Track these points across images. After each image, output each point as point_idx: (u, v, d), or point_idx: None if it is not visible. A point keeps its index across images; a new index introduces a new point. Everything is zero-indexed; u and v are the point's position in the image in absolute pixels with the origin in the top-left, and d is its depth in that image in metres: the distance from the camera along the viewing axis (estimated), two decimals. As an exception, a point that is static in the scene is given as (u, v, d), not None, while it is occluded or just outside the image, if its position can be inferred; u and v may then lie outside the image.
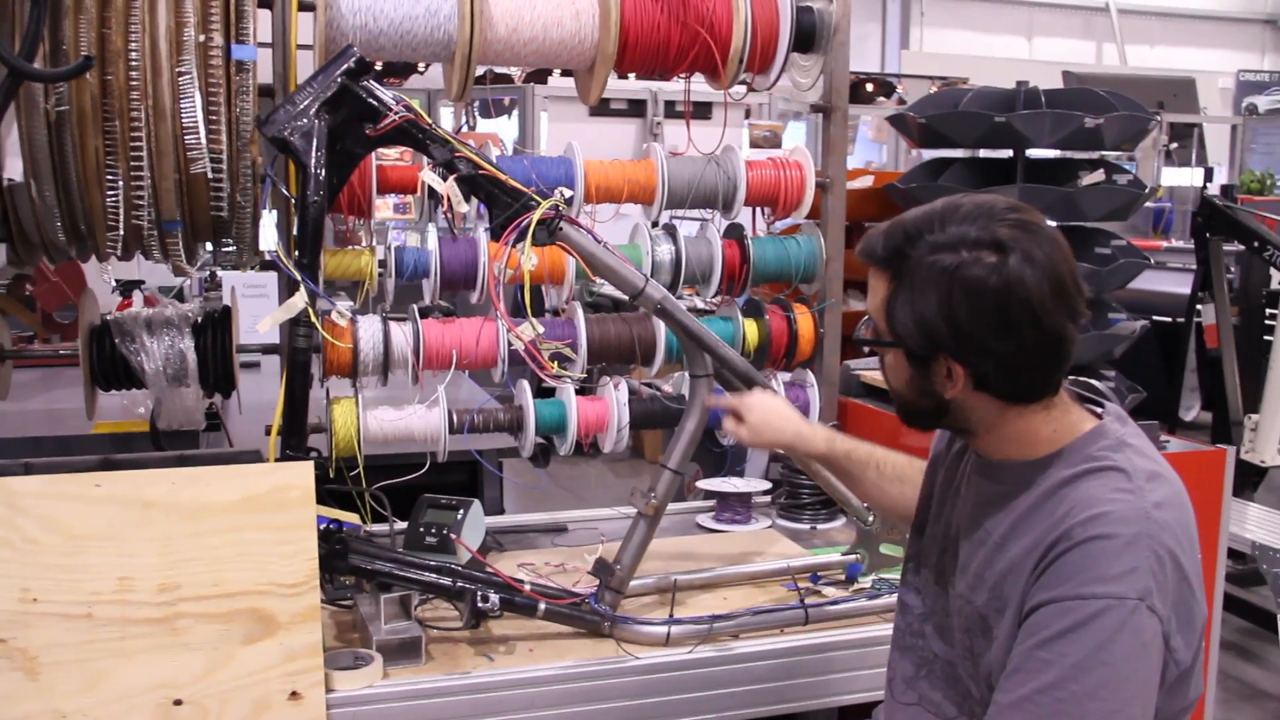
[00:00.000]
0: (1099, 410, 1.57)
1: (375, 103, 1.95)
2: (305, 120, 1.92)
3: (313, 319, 1.96)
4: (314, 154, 1.92)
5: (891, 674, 1.74)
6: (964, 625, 1.56)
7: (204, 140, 2.16)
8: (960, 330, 1.45)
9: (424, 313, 2.55)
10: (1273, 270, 4.87)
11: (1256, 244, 4.51)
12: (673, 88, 3.51)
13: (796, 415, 2.06)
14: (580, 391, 2.68)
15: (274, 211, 2.08)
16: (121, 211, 2.17)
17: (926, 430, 1.68)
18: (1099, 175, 3.89)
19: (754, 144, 7.78)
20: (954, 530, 1.64)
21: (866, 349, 1.66)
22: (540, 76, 8.03)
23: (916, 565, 1.73)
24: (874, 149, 10.22)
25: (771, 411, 2.05)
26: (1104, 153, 4.05)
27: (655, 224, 2.75)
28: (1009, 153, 3.87)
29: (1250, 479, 4.68)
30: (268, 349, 2.60)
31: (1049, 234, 1.45)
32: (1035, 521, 1.47)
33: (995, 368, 1.47)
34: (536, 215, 1.93)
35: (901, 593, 1.76)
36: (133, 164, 2.15)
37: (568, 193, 2.03)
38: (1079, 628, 1.37)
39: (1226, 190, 5.00)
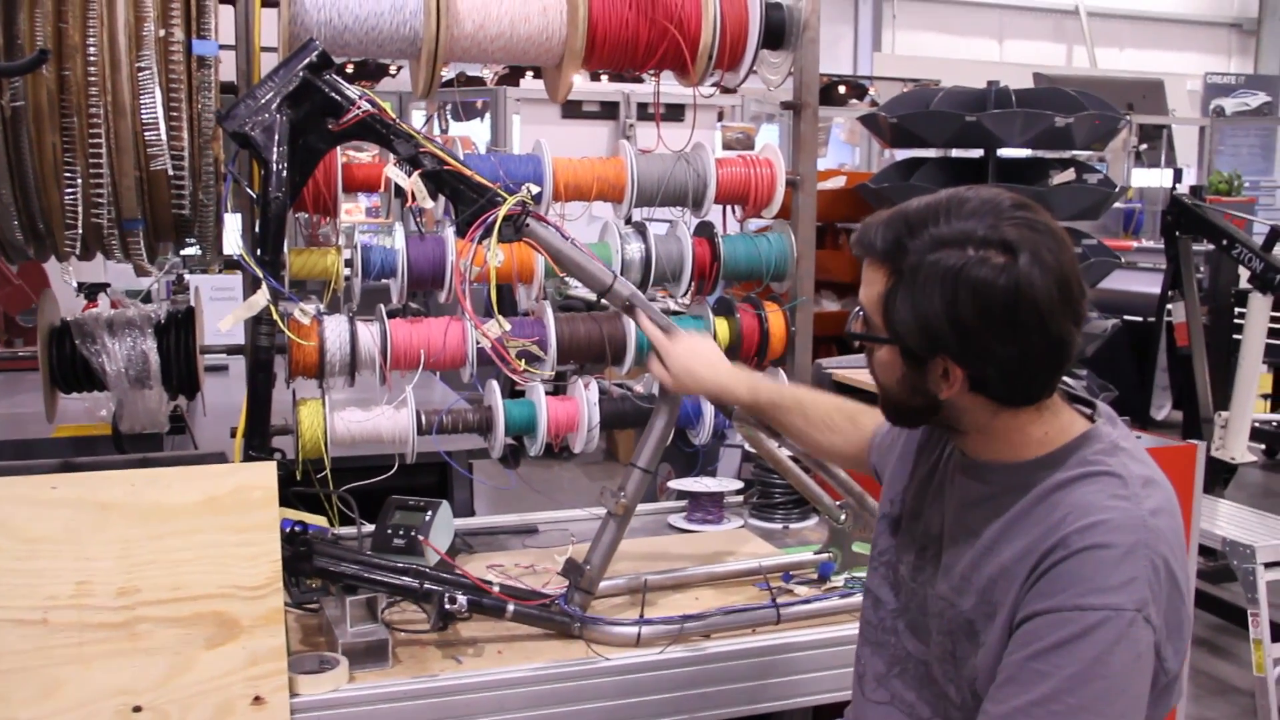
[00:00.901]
0: (1089, 412, 1.54)
1: (338, 97, 1.93)
2: (266, 115, 1.90)
3: (275, 317, 1.93)
4: (275, 149, 1.89)
5: (861, 670, 1.70)
6: (945, 628, 1.52)
7: (164, 137, 2.12)
8: (964, 332, 1.39)
9: (394, 314, 2.52)
10: (1241, 269, 4.90)
11: (1225, 242, 4.54)
12: (645, 90, 3.50)
13: (722, 362, 1.99)
14: (552, 392, 2.66)
15: (238, 214, 2.06)
16: (80, 210, 2.13)
17: (912, 427, 1.65)
18: (1070, 174, 3.91)
19: (727, 146, 7.78)
20: (936, 529, 1.60)
21: (856, 343, 1.60)
22: (512, 79, 8.01)
23: (891, 560, 1.68)
24: (846, 151, 10.24)
25: (695, 358, 1.98)
26: (1075, 152, 4.07)
27: (628, 220, 2.73)
28: (980, 152, 3.89)
29: (1221, 476, 4.71)
30: (233, 350, 2.55)
31: (1056, 233, 1.41)
32: (1027, 527, 1.44)
33: (996, 371, 1.42)
34: (502, 211, 1.91)
35: (872, 585, 1.70)
36: (91, 161, 2.11)
37: (535, 189, 2.01)
38: (1076, 640, 1.34)
39: (1195, 190, 5.03)
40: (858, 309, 1.54)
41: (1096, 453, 1.46)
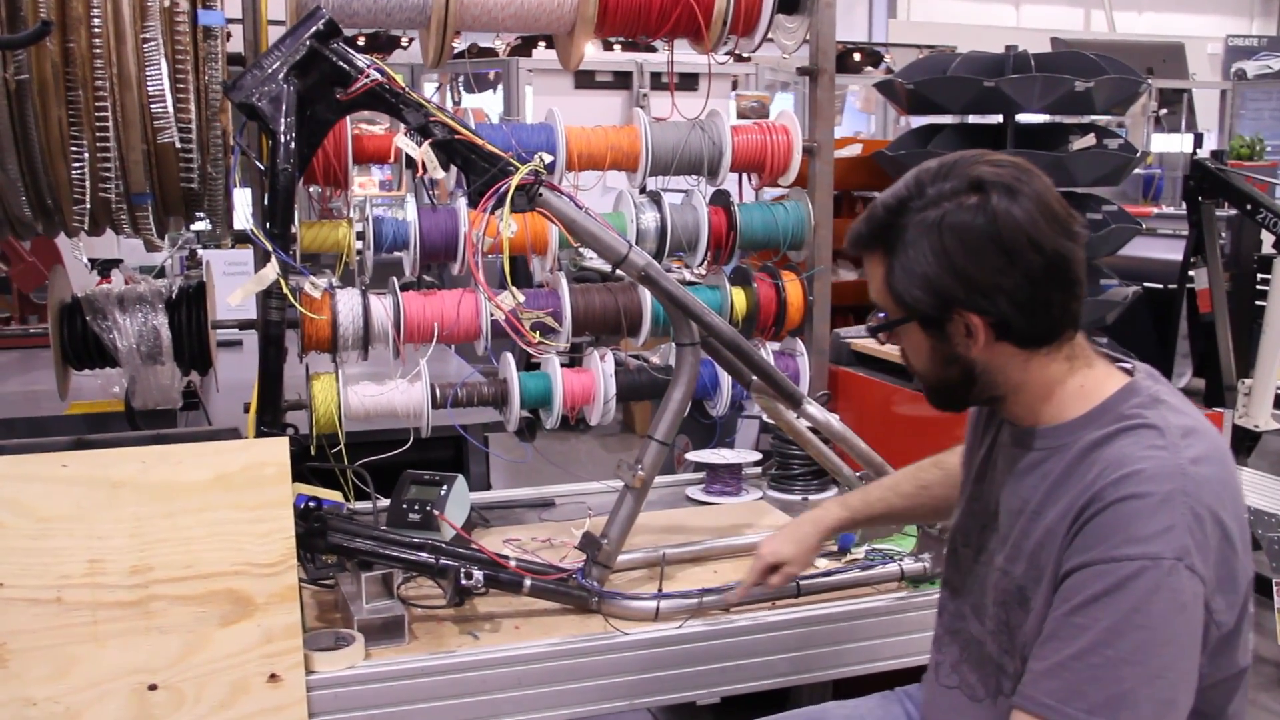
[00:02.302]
0: (1129, 367, 1.52)
1: (346, 66, 1.89)
2: (274, 85, 1.86)
3: (285, 291, 1.90)
4: (283, 120, 1.86)
5: (939, 659, 1.69)
6: (1000, 599, 1.52)
7: (171, 109, 2.09)
8: (963, 276, 1.41)
9: (407, 287, 2.49)
10: (1265, 234, 4.82)
11: (1249, 207, 4.46)
12: (659, 59, 3.46)
13: (805, 519, 1.99)
14: (568, 365, 2.63)
15: (248, 189, 2.02)
16: (88, 184, 2.11)
17: (959, 410, 1.63)
18: (1089, 140, 3.84)
19: (741, 114, 7.70)
20: (992, 505, 1.60)
21: (883, 340, 1.62)
22: (525, 50, 7.94)
23: (956, 547, 1.69)
24: (862, 119, 10.14)
25: (791, 539, 1.97)
26: (1094, 118, 4.00)
27: (643, 189, 2.69)
28: (999, 118, 3.82)
29: (1244, 444, 4.65)
30: (245, 324, 2.53)
31: (1021, 164, 1.43)
32: (1068, 486, 1.43)
33: (1010, 306, 1.42)
34: (515, 180, 1.87)
35: (947, 574, 1.72)
36: (98, 135, 2.08)
37: (548, 158, 1.97)
38: (1113, 591, 1.32)
39: (1217, 155, 4.95)
40: (873, 310, 1.55)
41: (1134, 406, 1.44)
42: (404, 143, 1.93)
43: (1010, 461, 1.56)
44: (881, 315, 1.53)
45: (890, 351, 2.85)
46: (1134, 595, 1.31)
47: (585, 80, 7.52)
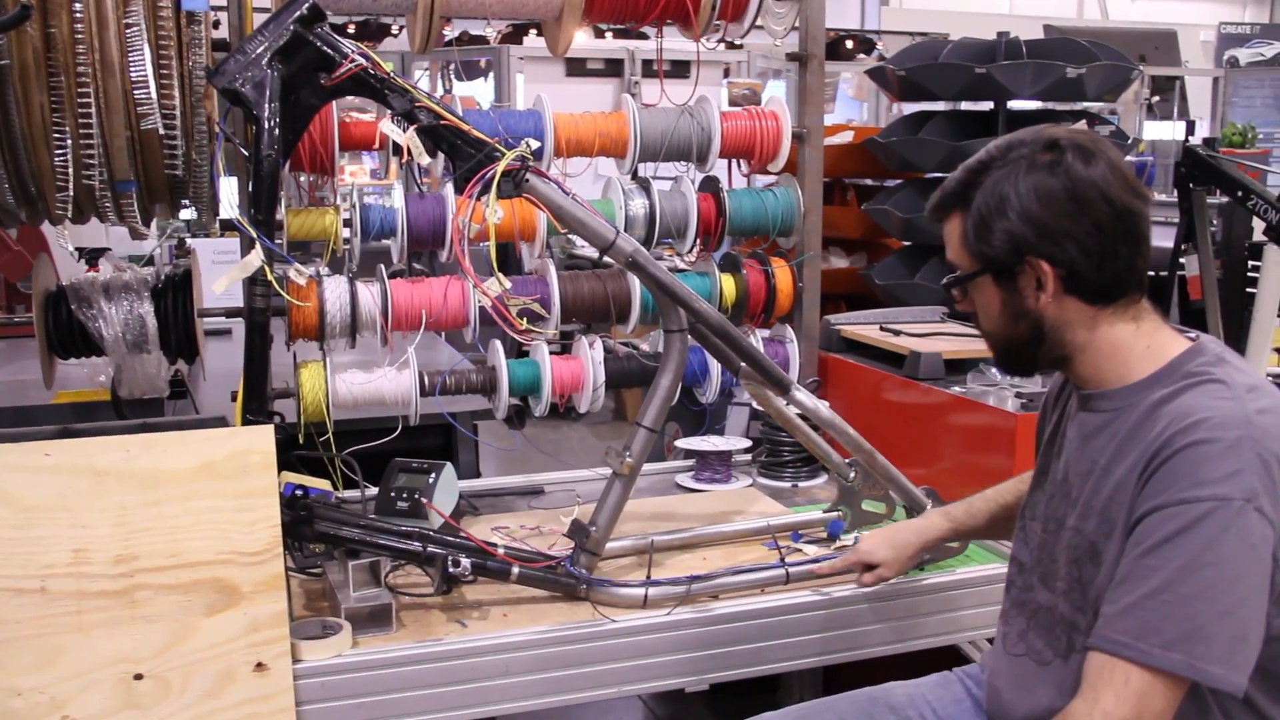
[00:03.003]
0: (1193, 335, 1.57)
1: (330, 50, 1.88)
2: (257, 70, 1.85)
3: (269, 278, 1.89)
4: (267, 105, 1.84)
5: (1006, 630, 1.74)
6: (1072, 557, 1.56)
7: (155, 95, 2.07)
8: (1036, 221, 1.49)
9: (396, 275, 2.48)
10: (1256, 221, 4.81)
11: (1240, 193, 4.45)
12: (650, 47, 3.44)
13: (909, 526, 2.09)
14: (558, 352, 2.62)
15: (233, 178, 2.01)
16: (71, 171, 2.08)
17: (1028, 373, 1.69)
18: (1081, 126, 3.83)
19: (733, 102, 7.68)
20: (1061, 473, 1.64)
21: (957, 302, 1.66)
22: (515, 37, 7.92)
23: (1025, 521, 1.74)
24: (855, 107, 10.11)
25: (891, 541, 2.06)
26: (1086, 104, 3.99)
27: (634, 174, 2.67)
28: (990, 105, 3.81)
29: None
30: (232, 312, 2.51)
31: (1097, 135, 1.54)
32: (1137, 440, 1.48)
33: (1079, 253, 1.49)
34: (501, 166, 1.86)
35: (1015, 550, 1.76)
36: (81, 121, 2.06)
37: (534, 143, 1.95)
38: (1184, 531, 1.37)
39: (1210, 142, 4.94)
40: (947, 276, 1.61)
41: (1201, 364, 1.50)
42: (389, 128, 1.91)
43: (1080, 428, 1.61)
44: (955, 275, 1.60)
45: (881, 338, 2.85)
46: (1204, 534, 1.36)
47: (577, 68, 7.51)
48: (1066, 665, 1.57)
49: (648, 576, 2.07)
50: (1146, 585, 1.38)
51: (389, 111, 1.94)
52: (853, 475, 2.36)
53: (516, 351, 2.72)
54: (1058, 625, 1.60)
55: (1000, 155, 1.54)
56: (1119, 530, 1.47)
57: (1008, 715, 1.68)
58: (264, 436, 1.82)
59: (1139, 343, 1.54)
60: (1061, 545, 1.60)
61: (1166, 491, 1.40)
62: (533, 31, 7.67)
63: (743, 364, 2.19)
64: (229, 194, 2.27)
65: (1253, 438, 1.39)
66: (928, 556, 2.15)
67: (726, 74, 8.25)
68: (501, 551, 2.01)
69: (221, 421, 2.21)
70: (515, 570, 1.99)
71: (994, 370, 2.53)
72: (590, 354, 2.56)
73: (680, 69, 3.98)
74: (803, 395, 2.21)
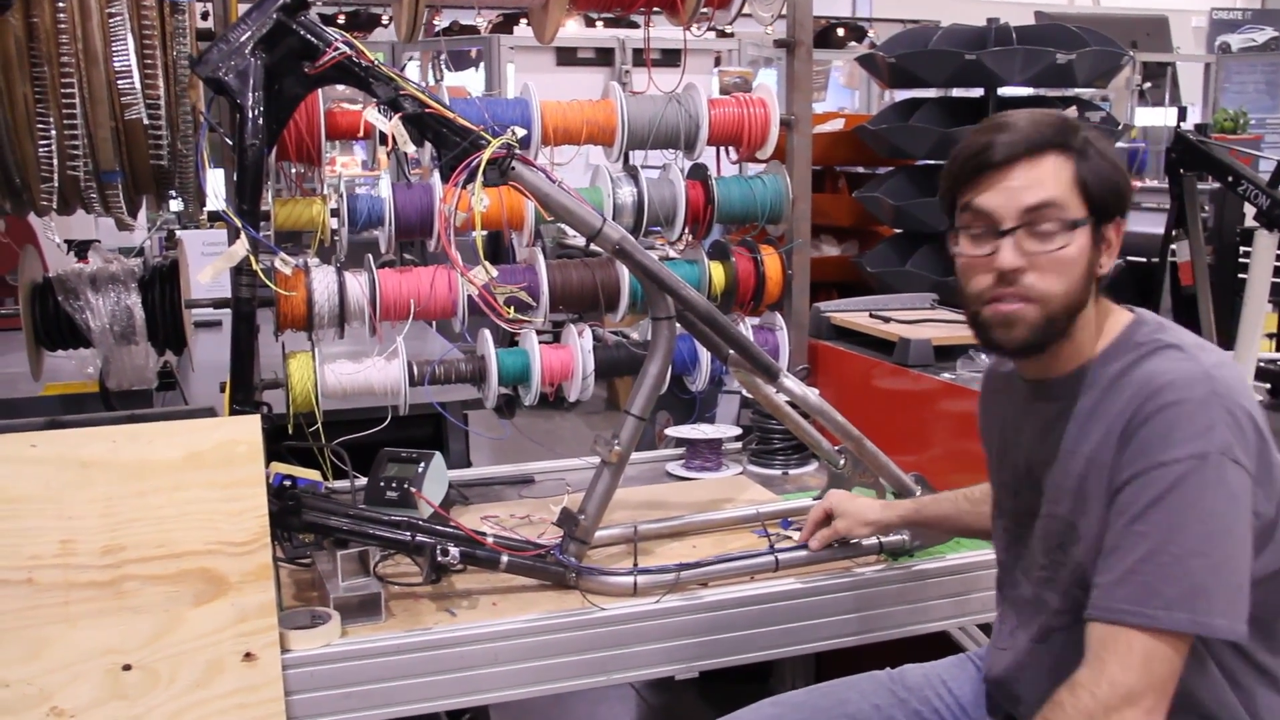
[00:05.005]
0: (1127, 306, 1.62)
1: (314, 39, 1.87)
2: (241, 59, 1.84)
3: (254, 268, 1.89)
4: (250, 94, 1.83)
5: (1000, 627, 1.77)
6: (1051, 542, 1.58)
7: (139, 86, 2.07)
8: (1126, 186, 1.54)
9: (385, 266, 2.47)
10: (1247, 207, 4.81)
11: (1231, 179, 4.45)
12: (641, 36, 3.43)
13: (872, 498, 2.18)
14: (549, 342, 2.62)
15: (219, 170, 2.01)
16: (56, 162, 2.08)
17: (1040, 352, 1.58)
18: (1072, 113, 3.82)
19: (724, 91, 7.66)
20: (1024, 468, 1.66)
21: (1061, 245, 1.52)
22: (506, 27, 7.91)
23: (996, 522, 1.77)
24: (846, 95, 10.12)
25: (853, 498, 2.16)
26: (1077, 91, 3.99)
27: (625, 161, 2.67)
28: (980, 91, 3.81)
29: (1226, 416, 4.66)
30: (220, 303, 2.50)
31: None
32: (1101, 416, 1.51)
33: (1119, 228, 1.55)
34: (487, 154, 1.85)
35: (996, 551, 1.79)
36: (65, 112, 2.05)
37: (520, 131, 1.95)
38: (1168, 492, 1.40)
39: (1201, 128, 4.94)
40: (1030, 210, 1.50)
41: (1147, 333, 1.54)
42: (374, 117, 1.90)
43: (1037, 419, 1.62)
44: (1051, 213, 1.50)
45: (871, 325, 2.85)
46: (1188, 492, 1.38)
47: (567, 57, 7.48)
48: (1045, 646, 1.60)
49: (634, 564, 2.07)
50: (1139, 550, 1.40)
51: (374, 100, 1.93)
52: (842, 462, 2.37)
53: (506, 341, 2.72)
54: (1040, 614, 1.62)
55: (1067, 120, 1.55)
56: (1096, 504, 1.49)
57: (1007, 700, 1.72)
58: (250, 427, 1.82)
59: (1101, 321, 1.58)
60: (1035, 535, 1.62)
61: (1144, 457, 1.42)
62: (523, 21, 7.65)
63: (731, 351, 2.19)
64: (215, 184, 2.26)
65: (1217, 393, 1.42)
66: (908, 536, 2.16)
67: (718, 63, 8.24)
68: (491, 540, 2.01)
69: (210, 412, 2.20)
70: (504, 559, 1.99)
71: (983, 356, 2.52)
72: (579, 343, 2.55)
73: (671, 58, 3.97)
74: (791, 382, 2.21)
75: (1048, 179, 1.51)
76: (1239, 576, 1.40)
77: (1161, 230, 4.99)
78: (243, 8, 2.16)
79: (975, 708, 1.83)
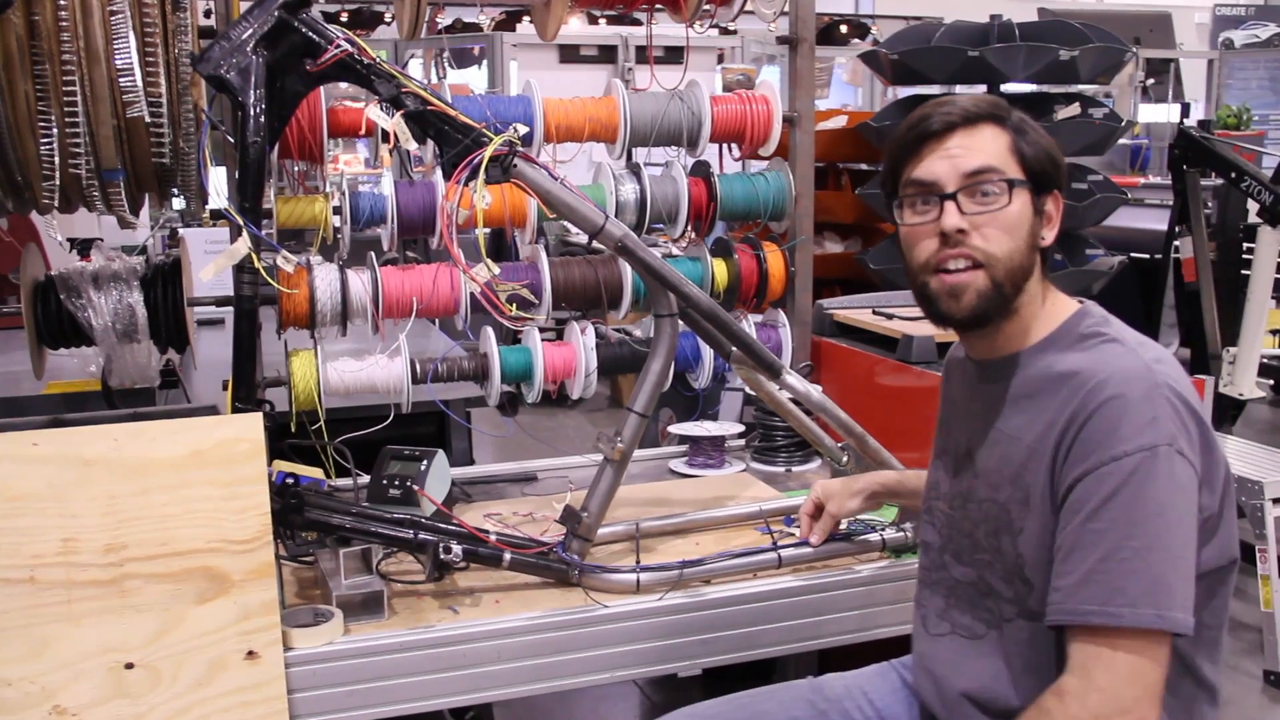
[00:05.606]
0: (1079, 300, 1.64)
1: (315, 36, 1.86)
2: (242, 57, 1.84)
3: (256, 265, 1.88)
4: (252, 92, 1.83)
5: (923, 612, 1.75)
6: (990, 529, 1.58)
7: (140, 83, 2.06)
8: (1059, 159, 1.58)
9: (388, 263, 2.47)
10: (1250, 203, 4.81)
11: (1234, 175, 4.45)
12: (644, 33, 3.43)
13: (858, 478, 2.16)
14: (552, 339, 2.61)
15: (222, 167, 2.01)
16: (57, 160, 2.07)
17: (985, 325, 1.59)
18: (1075, 109, 3.83)
19: (727, 88, 7.66)
20: (964, 448, 1.66)
21: (990, 196, 1.55)
22: (509, 24, 7.89)
23: (930, 503, 1.77)
24: (849, 92, 10.10)
25: (837, 480, 2.16)
26: (1080, 87, 3.98)
27: (629, 155, 2.66)
28: (983, 88, 3.80)
29: (1229, 412, 4.66)
30: (221, 301, 2.50)
31: None
32: (1043, 405, 1.51)
33: (1057, 202, 1.59)
34: (489, 151, 1.85)
35: (923, 534, 1.78)
36: (67, 110, 2.05)
37: (522, 128, 1.95)
38: (1120, 489, 1.40)
39: (1204, 124, 4.93)
40: (975, 173, 1.54)
41: (1090, 325, 1.56)
42: (376, 115, 1.90)
43: (983, 401, 1.63)
44: (991, 175, 1.54)
45: (873, 322, 2.84)
46: (1140, 485, 1.39)
47: (570, 55, 7.49)
48: (1003, 634, 1.58)
49: (637, 562, 2.06)
50: (1099, 549, 1.40)
51: (377, 97, 1.93)
52: (845, 459, 2.36)
53: (509, 338, 2.72)
54: (987, 597, 1.60)
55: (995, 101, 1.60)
56: (1037, 496, 1.49)
57: (946, 695, 1.67)
58: (253, 424, 1.82)
59: (1047, 305, 1.59)
60: (976, 518, 1.62)
61: (1093, 454, 1.42)
62: (526, 18, 7.65)
63: (734, 348, 2.19)
64: (217, 182, 2.26)
65: (1157, 385, 1.43)
66: (910, 532, 2.15)
67: (720, 60, 8.23)
68: (493, 538, 2.01)
69: (212, 410, 2.21)
70: (507, 556, 1.99)
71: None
72: (582, 340, 2.55)
73: (674, 55, 3.97)
74: (794, 379, 2.21)
75: (986, 145, 1.55)
76: (1190, 569, 1.41)
77: (1164, 226, 5.00)
78: (244, 5, 2.16)
79: (895, 719, 1.81)
